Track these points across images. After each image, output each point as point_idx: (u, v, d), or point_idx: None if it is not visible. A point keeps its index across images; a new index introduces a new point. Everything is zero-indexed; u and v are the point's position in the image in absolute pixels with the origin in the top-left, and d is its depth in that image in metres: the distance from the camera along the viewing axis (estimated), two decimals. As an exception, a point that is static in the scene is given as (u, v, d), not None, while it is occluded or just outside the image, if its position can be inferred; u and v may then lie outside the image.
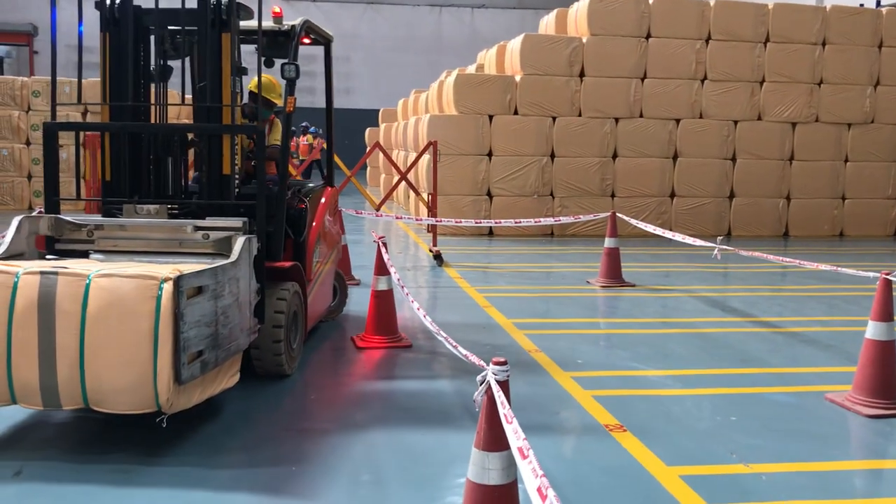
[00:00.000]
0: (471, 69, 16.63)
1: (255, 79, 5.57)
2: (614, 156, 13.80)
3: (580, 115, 13.65)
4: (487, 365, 2.70)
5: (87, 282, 3.68)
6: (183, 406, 3.82)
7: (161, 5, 4.82)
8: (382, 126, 23.43)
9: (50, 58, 5.05)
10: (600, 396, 4.93)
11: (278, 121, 5.99)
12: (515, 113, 13.52)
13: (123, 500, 3.46)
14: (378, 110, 25.56)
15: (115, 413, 3.77)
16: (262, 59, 5.34)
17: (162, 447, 3.97)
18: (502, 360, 2.65)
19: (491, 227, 13.22)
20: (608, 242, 8.90)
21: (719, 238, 7.65)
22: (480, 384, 2.67)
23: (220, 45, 4.74)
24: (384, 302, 6.07)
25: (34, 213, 4.67)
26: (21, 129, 16.24)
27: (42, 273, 3.73)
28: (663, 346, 6.30)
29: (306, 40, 6.05)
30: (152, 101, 5.02)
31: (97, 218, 4.76)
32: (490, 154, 13.47)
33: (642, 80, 13.74)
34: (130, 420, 3.93)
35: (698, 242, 8.01)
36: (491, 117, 13.44)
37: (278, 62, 5.60)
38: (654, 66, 13.75)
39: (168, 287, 3.61)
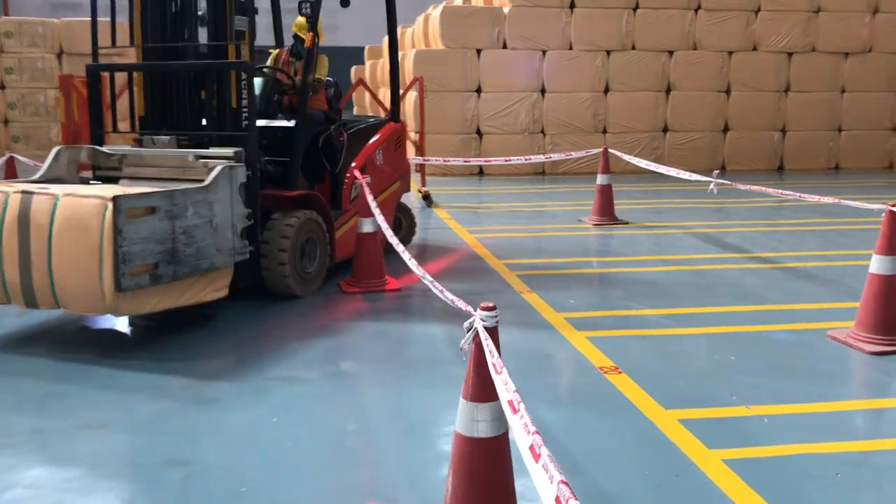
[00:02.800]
0: (458, 1, 16.12)
1: (300, 19, 6.06)
2: (606, 90, 13.46)
3: (571, 48, 13.27)
4: (475, 310, 2.48)
5: (56, 201, 4.25)
6: (132, 311, 4.38)
7: None
8: (368, 63, 22.87)
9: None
10: (594, 337, 4.75)
11: (323, 57, 6.28)
12: (504, 47, 13.12)
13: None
14: (364, 47, 24.94)
15: (75, 314, 4.53)
16: (341, 1, 6.08)
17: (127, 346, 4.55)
18: (490, 305, 2.43)
19: (481, 167, 12.94)
20: (600, 179, 8.66)
21: (715, 172, 7.40)
22: (468, 331, 2.46)
23: None
24: (370, 245, 5.83)
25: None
26: (-6, 73, 15.72)
27: (23, 192, 4.36)
28: (658, 285, 6.11)
29: None
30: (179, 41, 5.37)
31: (124, 148, 5.38)
32: (479, 90, 13.11)
33: (634, 10, 13.33)
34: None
35: (694, 177, 7.78)
36: (479, 52, 13.05)
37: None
38: (647, -5, 13.32)
39: (110, 206, 4.08)
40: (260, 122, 5.68)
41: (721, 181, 7.19)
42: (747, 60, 13.69)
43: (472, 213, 9.55)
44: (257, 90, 5.99)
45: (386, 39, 20.08)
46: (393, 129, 6.90)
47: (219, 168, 4.77)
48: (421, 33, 14.73)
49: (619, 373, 4.17)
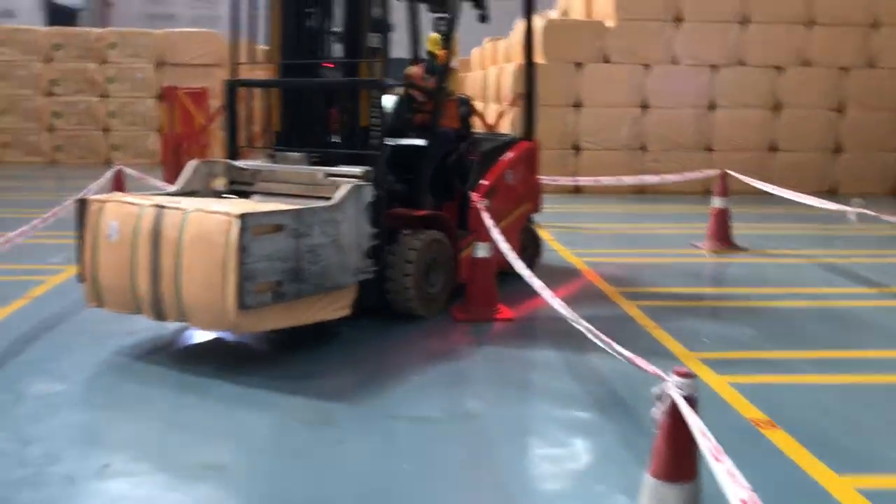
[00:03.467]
0: (552, 15, 15.78)
1: (434, 35, 6.07)
2: (712, 107, 12.91)
3: (676, 63, 12.77)
4: (667, 374, 2.14)
5: (186, 215, 4.29)
6: (254, 329, 4.42)
7: None
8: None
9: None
10: (738, 384, 4.33)
11: (455, 74, 6.43)
12: (606, 61, 12.72)
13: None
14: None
15: (200, 328, 4.60)
16: (480, 16, 6.15)
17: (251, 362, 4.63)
18: (686, 370, 2.10)
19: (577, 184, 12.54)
20: (717, 202, 8.18)
21: (856, 200, 6.85)
22: (658, 399, 2.13)
23: (357, 3, 5.11)
24: (484, 271, 5.52)
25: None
26: (97, 82, 16.06)
27: (156, 206, 4.43)
28: (792, 322, 5.65)
29: None
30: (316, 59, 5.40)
31: (257, 164, 5.40)
32: (578, 105, 12.73)
33: (744, 24, 12.75)
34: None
35: (828, 205, 7.21)
36: (580, 66, 12.68)
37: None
38: (757, 9, 12.75)
39: (236, 223, 4.08)
40: (390, 140, 5.62)
41: (863, 210, 6.65)
42: (863, 77, 12.95)
43: (575, 234, 9.17)
44: (390, 108, 5.89)
45: (475, 51, 19.99)
46: (525, 148, 6.69)
47: (347, 187, 4.72)
48: (518, 46, 14.40)
49: (775, 427, 3.76)
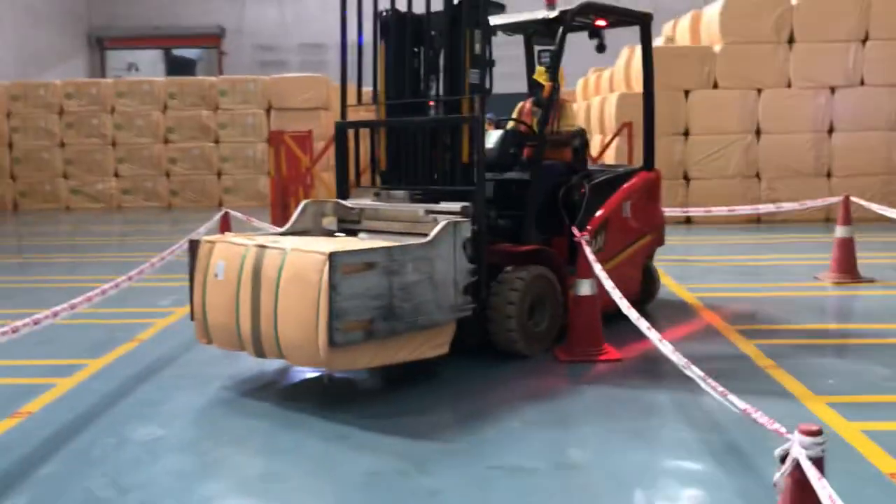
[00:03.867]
0: (657, 42, 15.43)
1: (539, 67, 6.00)
2: (830, 130, 12.26)
3: (790, 85, 12.22)
4: (790, 432, 1.89)
5: (284, 255, 4.37)
6: (346, 367, 4.48)
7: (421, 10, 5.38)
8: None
9: (342, 64, 5.75)
10: (872, 431, 3.93)
11: (570, 105, 6.30)
12: (715, 87, 12.29)
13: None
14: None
15: (296, 365, 4.67)
16: (598, 46, 6.14)
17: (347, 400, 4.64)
18: (814, 428, 1.84)
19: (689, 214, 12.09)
20: (840, 231, 7.67)
21: None
22: (781, 461, 1.87)
23: (461, 40, 5.11)
24: (587, 309, 5.28)
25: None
26: (210, 128, 16.70)
27: (258, 246, 4.55)
28: (931, 361, 5.15)
29: (600, 22, 6.13)
30: (424, 98, 5.48)
31: (364, 202, 5.51)
32: (687, 133, 12.33)
33: (863, 42, 12.10)
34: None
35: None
36: (687, 93, 12.29)
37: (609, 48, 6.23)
38: (878, 25, 12.08)
39: (326, 262, 4.13)
40: (497, 175, 5.70)
41: None
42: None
43: (686, 266, 8.77)
44: (495, 143, 5.84)
45: (580, 81, 19.77)
46: (645, 179, 6.46)
47: (441, 224, 4.69)
48: (622, 76, 14.13)
49: (919, 483, 3.37)
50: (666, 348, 3.69)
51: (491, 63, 5.28)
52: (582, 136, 6.33)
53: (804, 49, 12.13)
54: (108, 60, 28.62)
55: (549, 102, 5.75)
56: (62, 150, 16.83)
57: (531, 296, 5.23)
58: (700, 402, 4.31)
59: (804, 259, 8.87)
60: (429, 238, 4.62)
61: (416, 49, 5.45)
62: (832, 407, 4.29)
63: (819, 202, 8.83)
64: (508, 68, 7.33)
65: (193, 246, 4.94)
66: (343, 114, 5.82)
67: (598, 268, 5.11)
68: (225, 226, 7.62)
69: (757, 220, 12.17)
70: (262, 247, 4.53)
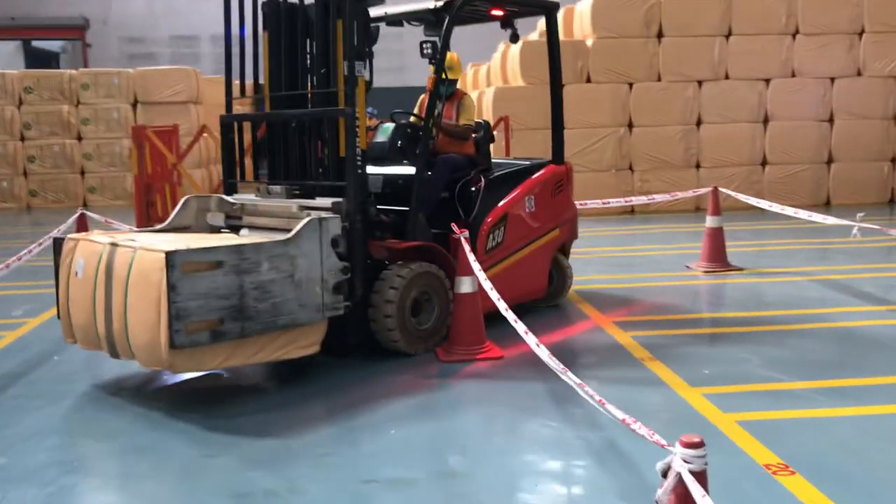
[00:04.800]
0: (533, 36, 15.55)
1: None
2: (698, 122, 12.66)
3: (659, 79, 12.53)
4: (670, 444, 1.78)
5: (133, 254, 4.22)
6: (193, 369, 4.37)
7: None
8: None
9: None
10: (746, 422, 3.96)
11: (468, 98, 6.11)
12: (588, 81, 12.46)
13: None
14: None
15: (145, 367, 4.38)
16: (511, 35, 6.06)
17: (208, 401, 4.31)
18: (696, 439, 1.73)
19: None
20: (710, 221, 7.85)
21: (860, 215, 6.52)
22: (663, 475, 1.76)
23: (334, 32, 4.97)
24: (468, 307, 5.16)
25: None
26: (72, 124, 15.73)
27: (111, 244, 4.40)
28: (798, 347, 5.29)
29: (497, 12, 6.01)
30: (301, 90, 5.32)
31: (245, 197, 5.34)
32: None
33: (727, 37, 12.54)
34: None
35: (829, 220, 6.87)
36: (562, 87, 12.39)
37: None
38: (740, 21, 12.55)
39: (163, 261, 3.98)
40: (384, 170, 5.66)
41: (868, 225, 6.32)
42: (852, 87, 12.72)
43: (564, 259, 8.80)
44: (385, 137, 5.75)
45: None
46: (552, 173, 6.33)
47: (304, 221, 4.53)
48: (499, 70, 14.17)
49: (793, 473, 3.38)
50: (542, 353, 3.59)
51: (368, 55, 5.10)
52: (486, 130, 6.20)
53: (672, 43, 12.45)
54: (-43, 52, 26.70)
55: (434, 95, 5.60)
56: None
57: (413, 294, 5.10)
58: (579, 399, 4.23)
59: (676, 249, 9.07)
60: (288, 235, 4.46)
61: (299, 41, 5.28)
62: (707, 398, 4.31)
63: (690, 193, 9.05)
64: (389, 62, 7.16)
65: (58, 244, 4.83)
66: (228, 107, 5.64)
67: (477, 266, 4.98)
68: (82, 228, 7.10)
69: (630, 211, 12.43)
70: (115, 245, 4.38)
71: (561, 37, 13.36)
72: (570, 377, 3.20)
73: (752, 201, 8.11)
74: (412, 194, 5.35)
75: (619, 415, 2.05)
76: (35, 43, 28.36)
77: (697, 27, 12.48)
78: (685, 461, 1.71)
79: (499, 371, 4.94)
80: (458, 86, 6.27)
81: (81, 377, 5.04)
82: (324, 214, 4.68)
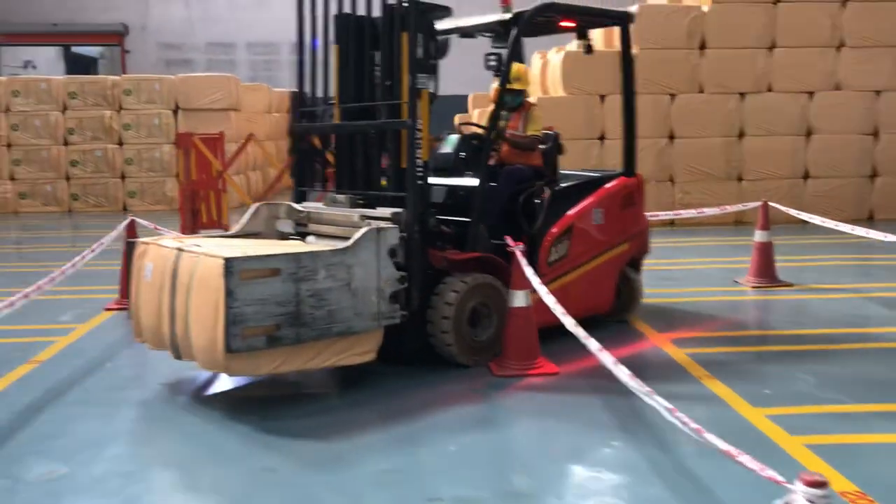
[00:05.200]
0: (571, 46, 15.49)
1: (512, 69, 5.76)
2: (740, 135, 12.52)
3: (702, 91, 12.41)
4: (791, 482, 1.72)
5: (197, 259, 4.35)
6: (249, 372, 4.49)
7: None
8: (476, 112, 22.38)
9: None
10: (814, 445, 3.87)
11: (536, 109, 6.07)
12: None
13: None
14: (467, 95, 24.54)
15: (204, 370, 4.59)
16: (585, 47, 6.21)
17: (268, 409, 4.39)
18: (819, 478, 1.67)
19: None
20: (759, 236, 7.74)
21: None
22: (779, 511, 1.70)
23: (399, 44, 5.00)
24: (521, 321, 5.10)
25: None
26: (114, 130, 15.90)
27: (177, 249, 4.55)
28: (858, 367, 5.20)
29: (567, 24, 6.02)
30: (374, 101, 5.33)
31: (312, 205, 5.50)
32: (602, 137, 12.38)
33: (771, 49, 12.39)
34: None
35: (890, 238, 6.67)
36: (603, 97, 12.34)
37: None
38: (785, 33, 12.38)
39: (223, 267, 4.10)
40: (448, 181, 5.67)
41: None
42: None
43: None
44: (450, 148, 5.76)
45: (494, 85, 19.72)
46: (621, 185, 6.21)
47: (361, 231, 4.63)
48: (538, 80, 14.12)
49: (872, 503, 3.29)
50: (621, 372, 3.51)
51: (433, 67, 5.11)
52: (554, 141, 6.15)
53: (715, 55, 12.34)
54: (2, 58, 27.13)
55: (498, 106, 5.56)
56: (-49, 152, 15.77)
57: (472, 305, 5.10)
58: (642, 416, 4.18)
59: (720, 263, 8.96)
60: (346, 244, 4.54)
61: (367, 53, 5.34)
62: (771, 419, 4.23)
63: (740, 206, 8.94)
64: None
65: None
66: (299, 117, 5.80)
67: (535, 280, 4.94)
68: (131, 235, 7.14)
69: (671, 224, 12.30)
70: (181, 250, 4.53)
71: (602, 47, 13.42)
72: (657, 400, 3.13)
73: (804, 216, 7.99)
74: (473, 205, 5.35)
75: (722, 445, 1.99)
76: (74, 49, 28.76)
77: (741, 39, 12.34)
78: (810, 501, 1.64)
79: (554, 387, 4.88)
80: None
81: (135, 384, 5.07)
82: (382, 224, 4.75)
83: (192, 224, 9.36)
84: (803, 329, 6.24)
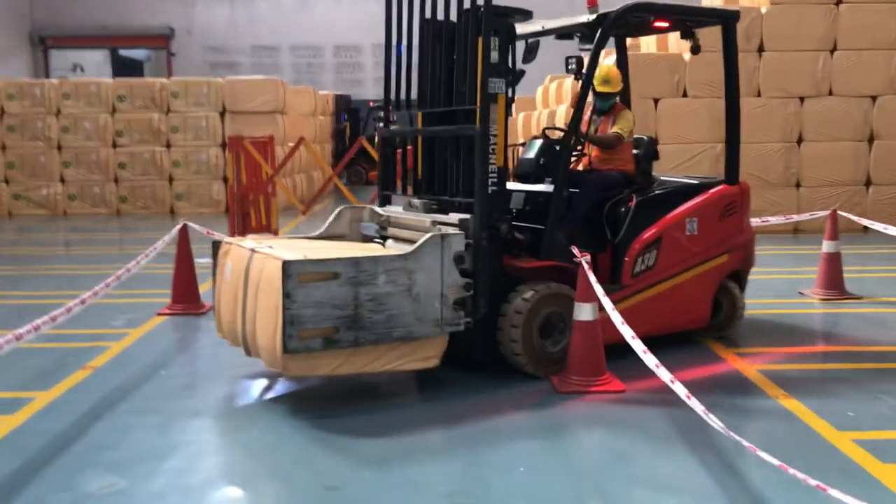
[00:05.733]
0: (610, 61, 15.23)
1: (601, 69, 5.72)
2: (799, 140, 12.15)
3: (759, 94, 12.07)
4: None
5: (265, 260, 4.44)
6: (306, 373, 4.49)
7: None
8: (520, 116, 22.21)
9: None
10: (910, 474, 3.63)
11: (626, 112, 5.87)
12: (685, 95, 12.09)
13: None
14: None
15: (267, 368, 4.62)
16: (692, 47, 5.87)
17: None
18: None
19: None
20: (827, 246, 7.45)
21: None
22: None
23: (475, 48, 4.89)
24: (588, 335, 4.90)
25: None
26: (161, 132, 15.99)
27: (251, 250, 4.69)
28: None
29: (661, 24, 5.85)
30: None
31: (393, 209, 5.51)
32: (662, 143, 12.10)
33: (832, 52, 12.02)
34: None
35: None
36: (657, 101, 12.07)
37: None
38: (846, 35, 11.98)
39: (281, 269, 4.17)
40: (527, 187, 5.61)
41: None
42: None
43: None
44: (532, 153, 5.61)
45: (539, 89, 19.50)
46: (721, 194, 5.88)
47: (425, 237, 4.63)
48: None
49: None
50: (697, 406, 3.33)
51: (513, 72, 5.00)
52: (649, 144, 5.97)
53: (773, 58, 12.00)
54: (51, 60, 27.57)
55: (577, 109, 5.35)
56: (3, 154, 15.97)
57: (544, 315, 4.98)
58: (712, 442, 3.97)
59: (783, 273, 8.66)
60: (409, 250, 4.56)
61: (446, 58, 5.27)
62: (860, 444, 3.98)
63: (807, 216, 8.63)
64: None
65: (215, 247, 5.21)
66: (386, 122, 5.79)
67: (600, 291, 4.74)
68: (184, 239, 7.08)
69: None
70: (254, 251, 4.66)
71: (654, 50, 13.15)
72: (730, 434, 2.93)
73: (867, 223, 7.69)
74: (550, 213, 5.20)
75: (812, 482, 1.81)
76: (121, 51, 29.13)
77: (800, 41, 11.99)
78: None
79: (622, 406, 4.66)
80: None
81: (190, 393, 4.98)
82: (450, 230, 4.74)
83: (242, 228, 9.30)
84: (880, 345, 5.95)
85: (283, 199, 13.18)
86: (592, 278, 4.81)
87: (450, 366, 4.87)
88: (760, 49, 12.05)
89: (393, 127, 5.79)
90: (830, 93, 12.10)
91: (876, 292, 7.54)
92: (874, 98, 12.08)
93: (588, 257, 4.92)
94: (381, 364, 4.53)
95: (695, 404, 3.59)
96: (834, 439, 4.07)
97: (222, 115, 16.02)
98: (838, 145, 12.11)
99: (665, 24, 5.89)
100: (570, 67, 5.43)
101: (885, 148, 12.09)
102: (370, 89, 28.33)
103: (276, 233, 9.69)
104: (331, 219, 5.55)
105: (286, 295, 4.15)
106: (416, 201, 5.32)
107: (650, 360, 4.12)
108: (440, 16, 5.30)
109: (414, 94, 5.62)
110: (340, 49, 29.14)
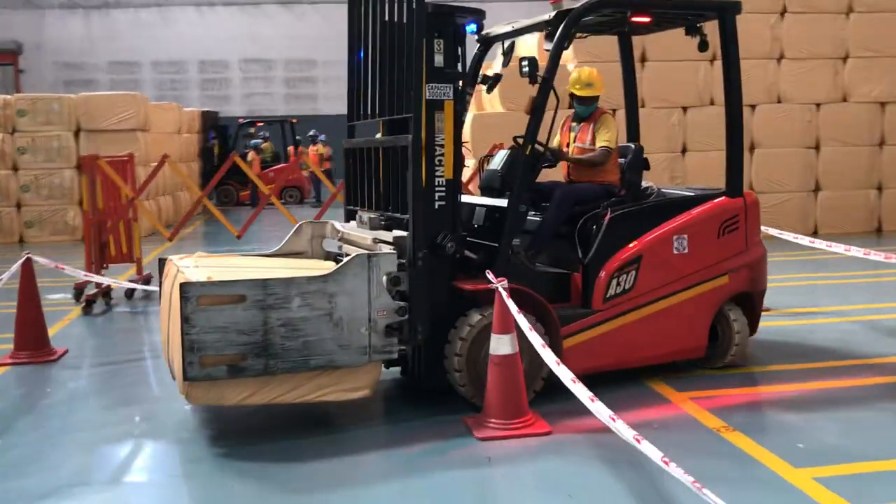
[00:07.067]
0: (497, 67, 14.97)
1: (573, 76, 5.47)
2: (683, 150, 12.17)
3: (643, 105, 11.96)
4: None
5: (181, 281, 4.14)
6: (212, 402, 4.20)
7: None
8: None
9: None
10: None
11: (607, 118, 5.41)
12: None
13: None
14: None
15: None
16: (699, 44, 5.25)
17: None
18: None
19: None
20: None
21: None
22: None
23: (419, 52, 4.44)
24: (507, 371, 4.30)
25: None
26: (6, 154, 14.44)
27: (178, 269, 4.52)
28: (874, 408, 4.60)
29: (641, 19, 5.18)
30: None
31: (348, 226, 5.23)
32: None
33: (711, 62, 12.07)
34: None
35: (853, 251, 6.09)
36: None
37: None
38: (858, 43, 12.26)
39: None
40: (488, 201, 5.10)
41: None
42: (837, 113, 12.36)
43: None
44: (499, 164, 5.08)
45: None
46: (719, 207, 5.26)
47: (350, 257, 4.31)
48: (474, 97, 13.47)
49: None
50: (654, 452, 2.78)
51: (462, 76, 4.58)
52: (635, 154, 5.44)
53: (656, 69, 11.99)
54: None
55: (534, 116, 4.80)
56: None
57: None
58: (659, 489, 3.46)
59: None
60: (329, 271, 4.23)
61: (395, 63, 4.80)
62: (822, 483, 3.55)
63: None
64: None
65: (161, 264, 5.02)
66: (350, 133, 5.42)
67: (525, 324, 4.16)
68: (28, 274, 6.06)
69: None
70: (178, 270, 4.47)
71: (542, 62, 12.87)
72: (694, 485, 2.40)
73: (788, 237, 7.50)
74: (503, 230, 4.71)
75: None
76: (-39, 68, 26.90)
77: (682, 53, 11.84)
78: None
79: (553, 452, 4.08)
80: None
81: (36, 468, 4.06)
82: (384, 249, 4.40)
83: (100, 258, 8.24)
84: (801, 362, 5.62)
85: (147, 224, 12.07)
86: (513, 307, 4.23)
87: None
88: (643, 59, 11.99)
89: (353, 139, 5.36)
90: (712, 102, 12.16)
91: (784, 303, 7.32)
92: (753, 107, 12.21)
93: (504, 283, 4.34)
94: (299, 395, 4.20)
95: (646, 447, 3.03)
96: (793, 479, 3.63)
97: (77, 134, 14.65)
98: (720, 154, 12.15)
99: (645, 20, 5.25)
100: (523, 70, 4.74)
101: (765, 156, 12.28)
102: (238, 105, 27.22)
103: (139, 262, 8.68)
104: (290, 234, 5.27)
105: (184, 319, 3.90)
106: (365, 217, 4.96)
107: (602, 411, 3.48)
108: (391, 18, 4.83)
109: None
110: (206, 64, 27.89)
